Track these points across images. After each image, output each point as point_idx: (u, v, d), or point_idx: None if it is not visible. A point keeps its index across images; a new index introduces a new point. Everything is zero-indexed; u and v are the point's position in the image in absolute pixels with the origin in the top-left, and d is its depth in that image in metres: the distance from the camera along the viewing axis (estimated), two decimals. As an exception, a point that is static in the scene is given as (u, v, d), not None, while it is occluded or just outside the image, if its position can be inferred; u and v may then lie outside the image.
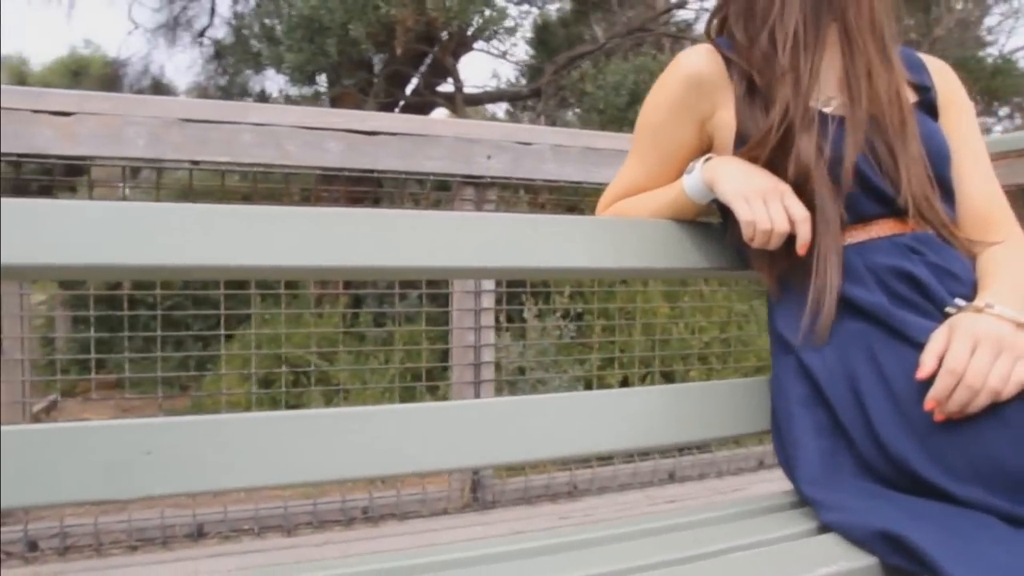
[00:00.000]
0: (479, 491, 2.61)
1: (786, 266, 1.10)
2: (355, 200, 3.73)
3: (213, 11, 7.08)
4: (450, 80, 5.13)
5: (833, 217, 1.04)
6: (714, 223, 1.24)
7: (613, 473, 2.87)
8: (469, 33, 4.38)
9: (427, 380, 3.11)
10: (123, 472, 0.84)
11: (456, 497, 2.60)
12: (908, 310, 1.00)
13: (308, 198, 4.10)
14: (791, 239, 1.05)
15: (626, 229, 1.17)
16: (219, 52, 6.29)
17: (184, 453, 0.87)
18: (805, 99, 1.05)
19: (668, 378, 3.87)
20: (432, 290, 3.09)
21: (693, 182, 1.13)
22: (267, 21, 4.41)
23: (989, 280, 1.03)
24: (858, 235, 1.08)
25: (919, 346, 0.94)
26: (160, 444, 0.86)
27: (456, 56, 4.84)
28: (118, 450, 0.85)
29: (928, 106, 1.17)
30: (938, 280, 1.02)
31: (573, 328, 3.85)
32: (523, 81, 6.44)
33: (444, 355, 3.21)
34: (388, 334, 4.23)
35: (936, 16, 5.10)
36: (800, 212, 1.04)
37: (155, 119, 2.23)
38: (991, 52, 6.80)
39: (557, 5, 6.34)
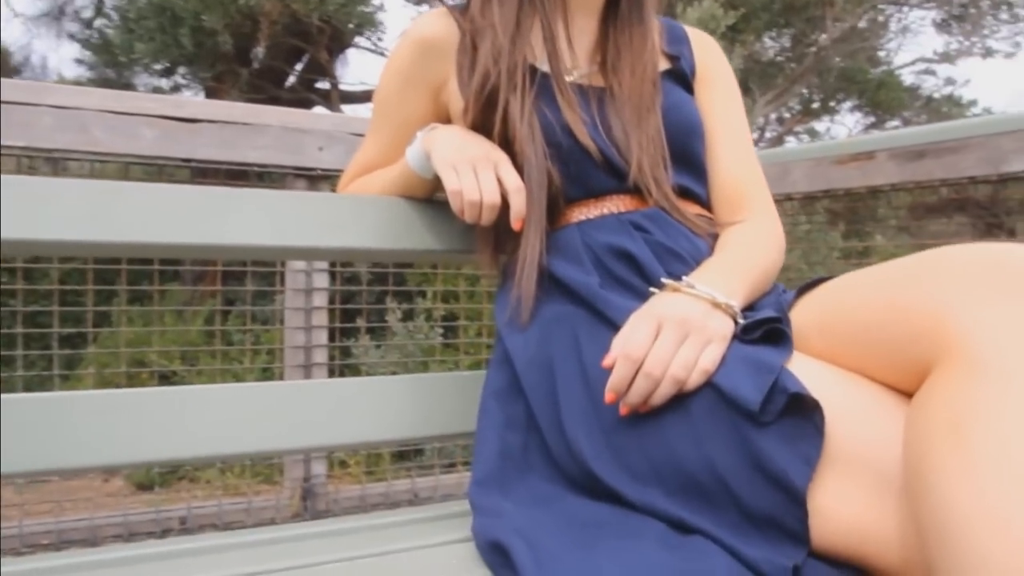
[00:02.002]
0: (310, 500, 2.47)
1: (509, 247, 1.01)
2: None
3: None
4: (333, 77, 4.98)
5: (540, 184, 0.95)
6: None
7: (458, 481, 2.75)
8: (350, 27, 4.24)
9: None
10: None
11: (285, 506, 2.45)
12: (621, 291, 0.92)
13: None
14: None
15: (343, 206, 1.06)
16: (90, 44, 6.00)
17: None
18: (511, 59, 0.96)
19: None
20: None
21: (414, 154, 1.03)
22: (128, 10, 4.21)
23: (708, 259, 0.95)
24: (588, 211, 0.99)
25: (619, 330, 0.85)
26: None
27: (332, 52, 4.70)
28: None
29: (681, 77, 1.09)
30: (658, 260, 0.94)
31: (441, 331, 3.73)
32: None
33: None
34: (255, 336, 4.06)
35: (821, 26, 5.16)
36: (513, 182, 0.94)
37: (-61, 98, 2.04)
38: (883, 68, 6.94)
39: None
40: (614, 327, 0.86)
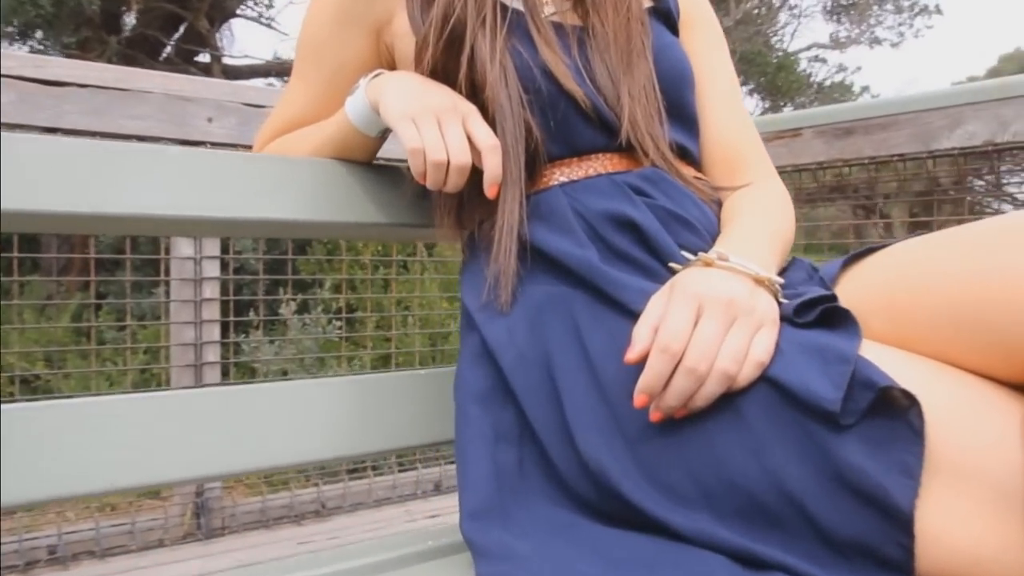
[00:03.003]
0: (204, 516, 2.23)
1: (477, 216, 0.84)
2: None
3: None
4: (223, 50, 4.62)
5: (516, 139, 0.79)
6: (399, 166, 0.95)
7: (368, 487, 2.55)
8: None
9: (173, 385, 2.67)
10: None
11: (175, 525, 2.20)
12: (627, 268, 0.76)
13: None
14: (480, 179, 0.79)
15: (273, 169, 0.86)
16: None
17: None
18: None
19: (447, 377, 3.62)
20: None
21: (357, 105, 0.85)
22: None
23: (726, 228, 0.80)
24: (571, 171, 0.83)
25: (635, 316, 0.69)
26: None
27: (214, 21, 4.36)
28: None
29: (666, 16, 0.94)
30: (667, 229, 0.78)
31: (339, 325, 3.51)
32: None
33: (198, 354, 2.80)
34: (131, 333, 3.73)
35: (724, 7, 5.16)
36: (486, 138, 0.77)
37: None
38: (779, 53, 7.06)
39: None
40: (624, 311, 0.71)
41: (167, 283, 2.28)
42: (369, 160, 0.92)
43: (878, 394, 0.57)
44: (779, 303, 0.68)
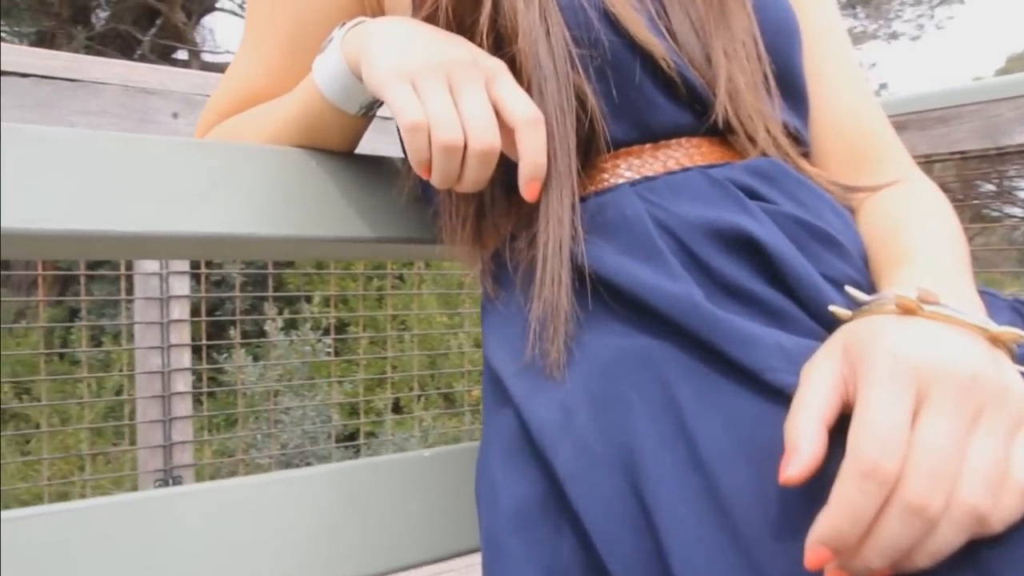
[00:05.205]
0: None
1: (505, 227, 0.59)
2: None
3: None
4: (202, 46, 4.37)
5: (564, 112, 0.53)
6: (393, 158, 0.70)
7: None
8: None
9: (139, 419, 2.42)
10: None
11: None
12: (746, 311, 0.50)
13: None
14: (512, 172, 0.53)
15: (214, 162, 0.60)
16: None
17: None
18: None
19: (448, 399, 3.37)
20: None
21: (330, 67, 0.59)
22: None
23: (898, 249, 0.54)
24: (642, 163, 0.58)
25: (775, 391, 0.44)
26: None
27: (191, 15, 4.10)
28: None
29: None
30: (803, 251, 0.52)
31: (329, 343, 3.26)
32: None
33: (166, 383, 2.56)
34: (105, 354, 3.48)
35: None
36: (525, 109, 0.52)
37: None
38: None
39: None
40: (755, 384, 0.45)
41: (129, 303, 2.03)
42: (350, 149, 0.67)
43: None
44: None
